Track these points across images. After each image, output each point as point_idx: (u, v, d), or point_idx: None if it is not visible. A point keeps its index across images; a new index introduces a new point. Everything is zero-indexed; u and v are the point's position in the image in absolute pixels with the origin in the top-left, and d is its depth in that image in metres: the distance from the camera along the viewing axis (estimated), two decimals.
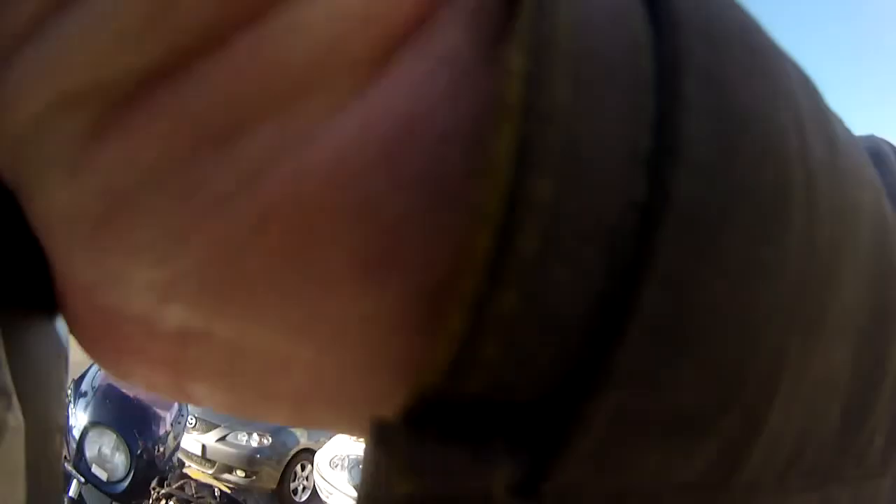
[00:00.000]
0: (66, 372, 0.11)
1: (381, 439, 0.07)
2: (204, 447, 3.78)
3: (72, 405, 2.35)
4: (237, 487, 3.81)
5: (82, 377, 2.43)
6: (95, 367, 2.50)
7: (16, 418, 0.10)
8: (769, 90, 0.07)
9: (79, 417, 2.31)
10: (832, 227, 0.08)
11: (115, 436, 2.33)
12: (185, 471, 2.77)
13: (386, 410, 0.08)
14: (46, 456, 0.11)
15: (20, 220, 0.09)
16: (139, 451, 2.36)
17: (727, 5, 0.08)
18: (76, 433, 2.29)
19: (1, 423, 0.09)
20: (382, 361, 0.08)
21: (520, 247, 0.06)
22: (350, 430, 0.11)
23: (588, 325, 0.07)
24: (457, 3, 0.07)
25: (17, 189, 0.08)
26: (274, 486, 3.82)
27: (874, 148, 0.13)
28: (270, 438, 3.82)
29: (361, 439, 0.10)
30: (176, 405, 2.64)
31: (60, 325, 0.11)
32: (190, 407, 3.05)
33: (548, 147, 0.06)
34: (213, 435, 3.81)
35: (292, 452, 3.89)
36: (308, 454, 3.94)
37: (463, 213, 0.07)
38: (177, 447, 2.65)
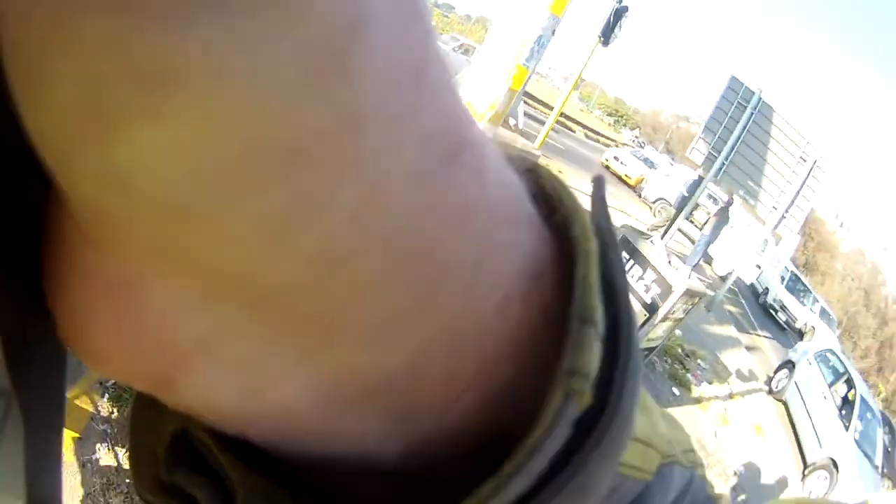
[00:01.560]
0: (65, 373, 0.11)
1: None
2: None
3: None
4: None
5: None
6: None
7: (15, 419, 0.10)
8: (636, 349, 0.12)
9: None
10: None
11: None
12: None
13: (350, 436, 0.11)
14: (46, 456, 0.11)
15: (18, 223, 0.09)
16: None
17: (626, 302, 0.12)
18: None
19: (0, 424, 0.10)
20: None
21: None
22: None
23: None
24: (506, 357, 0.11)
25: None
26: None
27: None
28: None
29: None
30: None
31: None
32: None
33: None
34: None
35: None
36: None
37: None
38: None
